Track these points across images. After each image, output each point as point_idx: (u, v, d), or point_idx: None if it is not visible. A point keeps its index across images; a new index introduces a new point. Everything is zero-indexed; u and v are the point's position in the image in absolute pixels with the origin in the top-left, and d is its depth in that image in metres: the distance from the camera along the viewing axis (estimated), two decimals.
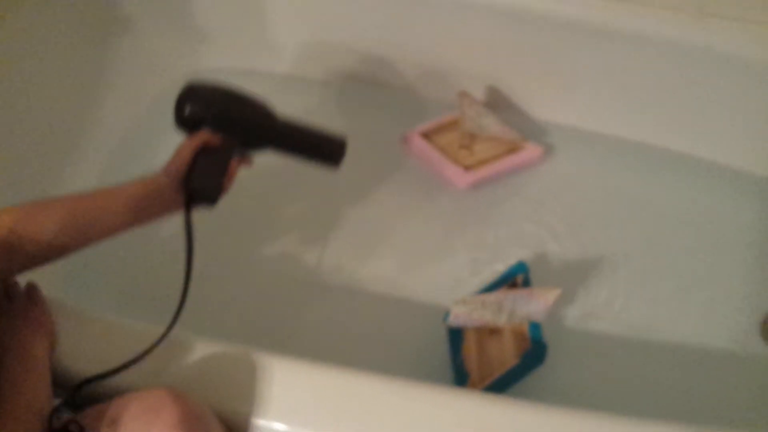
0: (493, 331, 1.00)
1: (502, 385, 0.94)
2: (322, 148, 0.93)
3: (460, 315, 0.97)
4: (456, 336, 1.00)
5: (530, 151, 1.24)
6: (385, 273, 1.10)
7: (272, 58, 1.32)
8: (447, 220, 1.18)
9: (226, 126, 0.82)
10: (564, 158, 1.25)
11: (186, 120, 0.81)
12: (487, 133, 1.23)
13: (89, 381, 0.69)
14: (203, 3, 1.25)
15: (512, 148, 1.24)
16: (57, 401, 0.67)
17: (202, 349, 0.74)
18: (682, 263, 1.11)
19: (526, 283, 1.04)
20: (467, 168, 1.21)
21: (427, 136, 1.25)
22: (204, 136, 0.80)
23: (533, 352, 0.96)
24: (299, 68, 1.33)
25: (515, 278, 1.05)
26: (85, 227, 0.71)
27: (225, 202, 0.83)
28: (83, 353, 0.74)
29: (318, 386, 0.72)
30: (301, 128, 0.91)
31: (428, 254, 1.13)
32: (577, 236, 1.15)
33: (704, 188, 1.21)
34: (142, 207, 0.75)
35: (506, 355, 0.97)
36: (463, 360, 0.97)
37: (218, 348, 0.74)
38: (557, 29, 1.14)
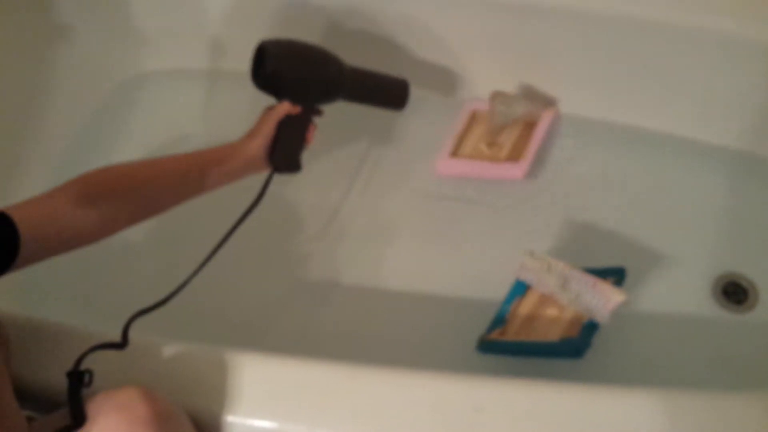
0: (555, 304, 1.01)
1: (527, 350, 0.97)
2: (390, 93, 0.96)
3: (530, 269, 1.00)
4: (519, 288, 1.03)
5: (549, 116, 1.22)
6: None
7: (217, 56, 1.31)
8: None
9: (305, 89, 0.86)
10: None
11: (266, 80, 0.84)
12: (517, 116, 1.20)
13: (141, 313, 0.72)
14: (140, 6, 1.23)
15: (530, 121, 1.22)
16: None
17: (172, 350, 0.74)
18: (645, 233, 1.14)
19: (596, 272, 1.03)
20: (512, 159, 1.19)
21: (454, 153, 1.21)
22: (285, 108, 0.85)
23: (574, 343, 0.96)
24: (241, 62, 1.29)
25: (606, 279, 1.02)
26: (179, 187, 0.81)
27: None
28: (44, 361, 0.73)
29: (287, 379, 0.72)
30: (368, 75, 0.93)
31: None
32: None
33: (662, 159, 1.23)
34: (229, 173, 0.84)
35: (552, 329, 0.98)
36: (511, 309, 1.01)
37: (188, 348, 0.74)
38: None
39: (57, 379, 0.68)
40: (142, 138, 1.26)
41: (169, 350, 0.73)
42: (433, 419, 0.70)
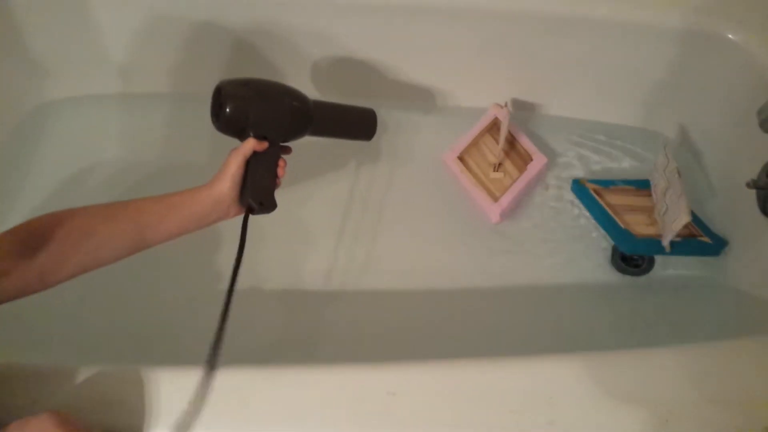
0: (649, 214, 1.15)
1: (600, 217, 1.16)
2: (357, 124, 0.94)
3: (658, 168, 1.13)
4: (642, 183, 1.20)
5: (506, 114, 1.24)
6: None
7: (123, 80, 1.31)
8: None
9: (269, 126, 0.81)
10: None
11: (227, 122, 0.79)
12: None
13: None
14: (36, 36, 1.21)
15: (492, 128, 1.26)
16: None
17: (88, 372, 0.74)
18: (548, 209, 1.22)
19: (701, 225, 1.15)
20: (525, 161, 1.23)
21: (496, 199, 1.20)
22: (251, 144, 0.80)
23: (634, 242, 1.11)
24: (145, 85, 1.32)
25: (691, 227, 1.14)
26: (143, 237, 0.75)
27: None
28: None
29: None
30: (334, 108, 0.90)
31: None
32: None
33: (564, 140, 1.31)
34: (197, 218, 0.78)
35: (630, 225, 1.13)
36: (620, 187, 1.19)
37: (104, 369, 0.74)
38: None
39: None
40: (54, 167, 1.24)
41: (85, 373, 0.74)
42: (350, 407, 0.73)
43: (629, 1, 1.14)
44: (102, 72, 1.28)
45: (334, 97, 1.29)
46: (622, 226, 1.13)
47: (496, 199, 1.19)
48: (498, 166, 1.23)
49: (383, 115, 1.27)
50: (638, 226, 1.14)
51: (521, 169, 1.22)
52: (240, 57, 1.26)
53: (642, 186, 1.20)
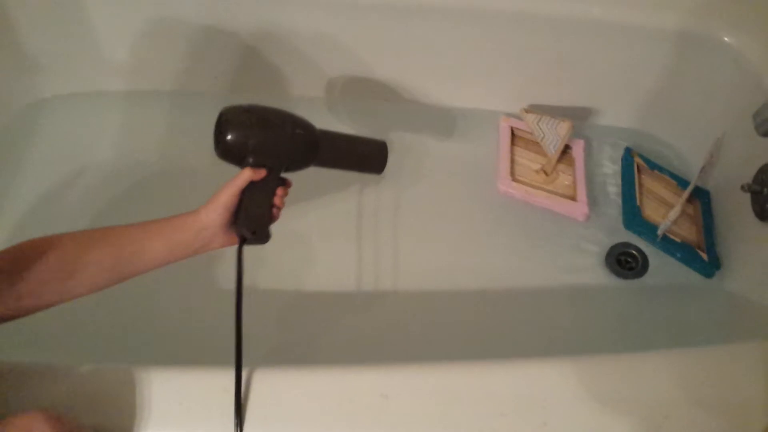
0: (669, 208, 1.18)
1: (627, 181, 1.21)
2: (366, 158, 0.89)
3: (704, 170, 1.18)
4: (684, 183, 1.23)
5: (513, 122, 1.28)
6: None
7: (117, 78, 1.30)
8: None
9: (269, 155, 0.78)
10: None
11: (227, 150, 0.76)
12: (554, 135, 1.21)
13: None
14: (29, 33, 1.20)
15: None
16: None
17: (81, 371, 0.73)
18: (543, 215, 1.22)
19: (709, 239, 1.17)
20: (569, 155, 1.25)
21: (574, 198, 1.21)
22: (247, 174, 0.76)
23: (639, 221, 1.17)
24: (141, 83, 1.31)
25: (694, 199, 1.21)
26: (125, 264, 0.72)
27: None
28: None
29: (197, 390, 0.73)
30: (342, 138, 0.86)
31: None
32: None
33: None
34: (181, 246, 0.75)
35: (646, 206, 1.19)
36: (665, 176, 1.24)
37: (97, 367, 0.74)
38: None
39: None
40: (46, 167, 1.23)
41: (77, 372, 0.73)
42: (342, 408, 0.73)
43: (625, 3, 1.14)
44: (97, 69, 1.27)
45: (334, 98, 1.33)
46: (637, 203, 1.17)
47: (573, 199, 1.20)
48: (551, 170, 1.23)
49: (385, 118, 1.30)
50: (653, 213, 1.18)
51: (568, 162, 1.24)
52: (239, 56, 1.25)
53: (682, 186, 1.22)
